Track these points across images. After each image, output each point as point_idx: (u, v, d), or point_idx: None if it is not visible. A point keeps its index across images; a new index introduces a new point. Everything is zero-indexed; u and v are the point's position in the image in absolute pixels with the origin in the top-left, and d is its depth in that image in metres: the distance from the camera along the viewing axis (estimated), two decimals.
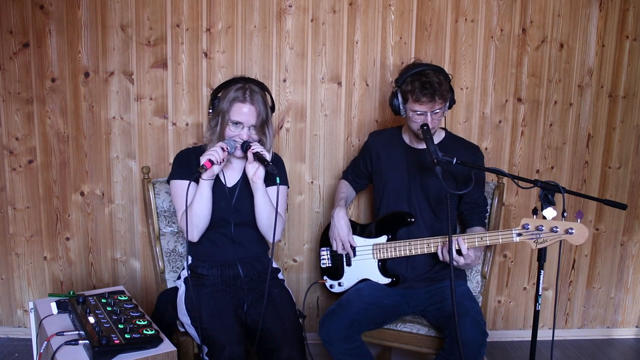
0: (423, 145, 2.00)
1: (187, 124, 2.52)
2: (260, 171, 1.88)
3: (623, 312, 2.90)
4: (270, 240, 1.97)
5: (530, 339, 1.77)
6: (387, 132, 2.25)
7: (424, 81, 1.91)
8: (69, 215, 2.57)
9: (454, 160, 1.83)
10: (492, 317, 2.80)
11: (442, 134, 2.14)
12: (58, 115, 2.49)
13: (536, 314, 1.75)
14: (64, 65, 2.46)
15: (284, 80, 2.52)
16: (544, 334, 2.68)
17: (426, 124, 1.93)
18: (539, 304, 1.74)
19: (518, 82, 2.60)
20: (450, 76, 2.02)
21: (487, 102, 2.60)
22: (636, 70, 2.64)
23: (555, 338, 2.68)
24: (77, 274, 2.62)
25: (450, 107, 2.04)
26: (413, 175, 2.11)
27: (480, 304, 2.11)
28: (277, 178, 1.77)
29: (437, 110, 1.95)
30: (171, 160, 2.51)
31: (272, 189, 1.95)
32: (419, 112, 1.95)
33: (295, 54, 2.50)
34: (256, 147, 1.85)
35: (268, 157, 1.86)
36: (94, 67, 2.46)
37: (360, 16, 2.49)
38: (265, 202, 1.92)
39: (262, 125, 1.92)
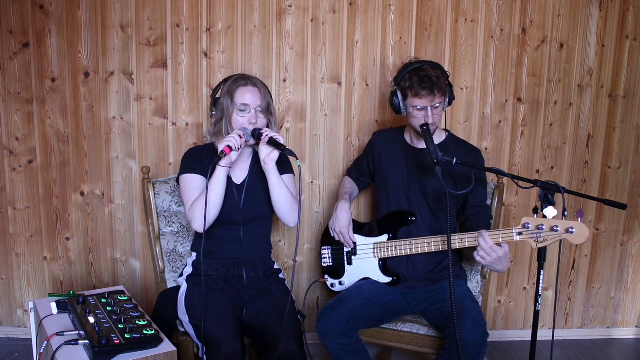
0: (424, 145, 2.00)
1: (187, 124, 2.52)
2: (275, 154, 1.89)
3: (623, 312, 2.90)
4: (289, 225, 2.00)
5: (530, 339, 1.76)
6: (391, 132, 2.25)
7: (422, 75, 1.92)
8: (69, 215, 2.57)
9: (454, 160, 1.82)
10: (492, 317, 2.80)
11: (444, 135, 2.14)
12: (58, 115, 2.49)
13: (536, 314, 1.74)
14: (64, 65, 2.46)
15: (284, 80, 2.52)
16: (544, 334, 2.68)
17: (426, 124, 1.93)
18: (539, 304, 1.74)
19: (518, 82, 2.60)
20: (448, 73, 2.02)
21: (487, 102, 2.60)
22: (636, 70, 2.64)
23: (555, 338, 2.68)
24: (77, 274, 2.62)
25: (450, 104, 2.04)
26: (412, 175, 2.10)
27: (480, 304, 2.11)
28: (298, 161, 1.80)
29: (437, 105, 1.95)
30: (171, 160, 2.52)
31: (284, 177, 1.98)
32: (419, 107, 1.95)
33: (295, 54, 2.50)
34: (269, 133, 1.87)
35: (282, 140, 1.86)
36: (94, 67, 2.46)
37: (360, 16, 2.49)
38: (280, 183, 1.93)
39: (268, 108, 1.96)
